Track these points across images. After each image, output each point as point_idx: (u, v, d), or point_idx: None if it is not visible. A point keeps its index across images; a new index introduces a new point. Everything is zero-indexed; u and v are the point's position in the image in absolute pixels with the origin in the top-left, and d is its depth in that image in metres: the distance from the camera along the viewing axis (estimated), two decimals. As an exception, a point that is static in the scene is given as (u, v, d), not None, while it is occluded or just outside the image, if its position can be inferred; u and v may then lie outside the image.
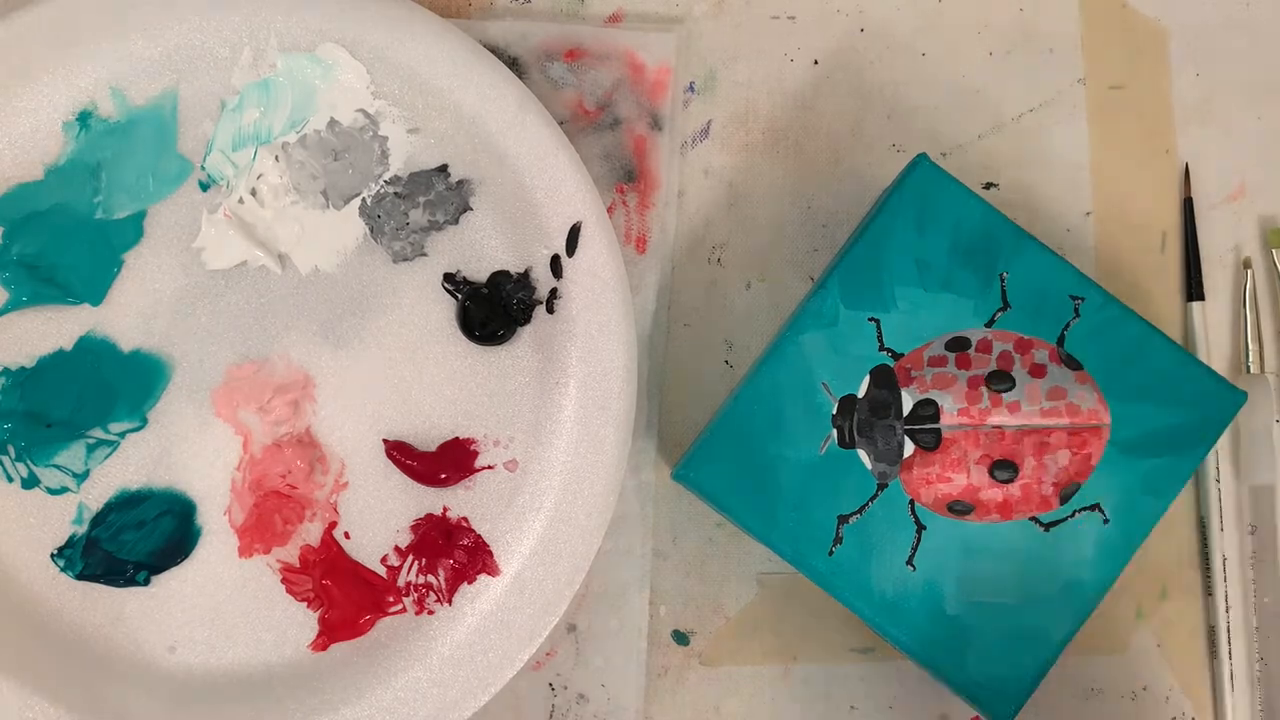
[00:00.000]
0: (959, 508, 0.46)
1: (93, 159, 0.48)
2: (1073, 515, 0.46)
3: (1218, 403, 0.47)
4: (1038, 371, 0.47)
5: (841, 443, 0.46)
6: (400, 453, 0.49)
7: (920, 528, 0.46)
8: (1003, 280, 0.47)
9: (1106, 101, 0.54)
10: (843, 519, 0.46)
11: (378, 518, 0.49)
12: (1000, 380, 0.47)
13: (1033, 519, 0.46)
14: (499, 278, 0.49)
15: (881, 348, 0.47)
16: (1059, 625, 0.46)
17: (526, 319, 0.49)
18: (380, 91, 0.49)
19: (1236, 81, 0.54)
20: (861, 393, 0.46)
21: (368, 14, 0.48)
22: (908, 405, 0.46)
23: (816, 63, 0.53)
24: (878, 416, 0.46)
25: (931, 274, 0.47)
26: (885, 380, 0.47)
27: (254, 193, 0.49)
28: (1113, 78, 0.54)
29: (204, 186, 0.49)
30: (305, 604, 0.48)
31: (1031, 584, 0.46)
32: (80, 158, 0.48)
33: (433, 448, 0.49)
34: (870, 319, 0.47)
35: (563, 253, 0.49)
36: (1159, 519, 0.46)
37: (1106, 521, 0.46)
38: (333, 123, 0.49)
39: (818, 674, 0.51)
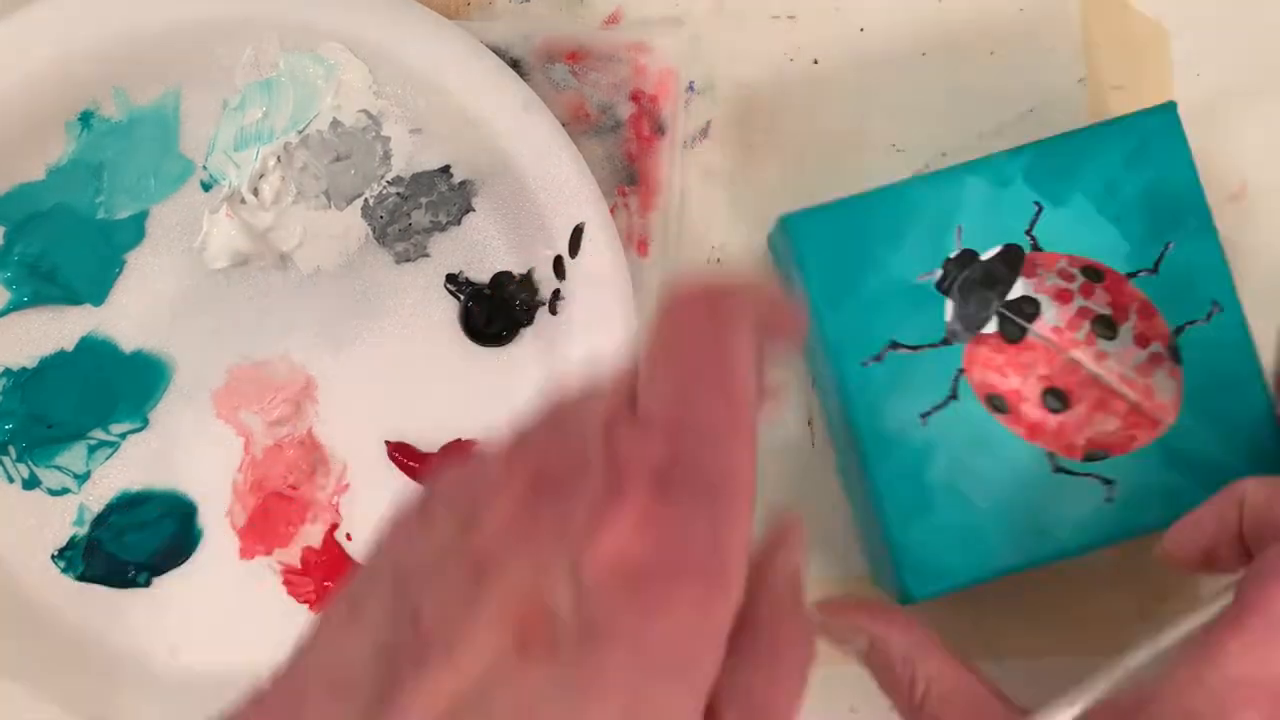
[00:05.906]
0: (997, 403, 0.46)
1: (95, 159, 0.48)
2: (1085, 475, 0.46)
3: (1273, 459, 0.46)
4: (1142, 341, 0.46)
5: (939, 285, 0.46)
6: (402, 454, 0.49)
7: (952, 396, 0.46)
8: (1166, 248, 0.47)
9: (1107, 102, 0.54)
10: (895, 345, 0.46)
11: (380, 519, 0.48)
12: (1107, 326, 0.46)
13: (1051, 455, 0.46)
14: (502, 279, 0.49)
15: (1029, 231, 0.46)
16: (1008, 555, 0.45)
17: (529, 320, 0.49)
18: (383, 91, 0.49)
19: (1236, 81, 0.54)
20: (985, 257, 0.46)
21: (370, 13, 0.48)
22: (1016, 293, 0.46)
23: (816, 63, 0.53)
24: (985, 285, 0.46)
25: (1111, 201, 0.46)
26: (1012, 260, 0.46)
27: (256, 193, 0.49)
28: (1113, 78, 0.54)
29: (206, 187, 0.49)
30: (307, 606, 0.48)
31: (1010, 507, 0.46)
32: (82, 157, 0.48)
33: (435, 449, 0.49)
34: (1036, 202, 0.46)
35: (565, 254, 0.49)
36: (1159, 530, 0.44)
37: (1109, 500, 0.46)
38: (335, 123, 0.49)
39: (818, 674, 0.50)
